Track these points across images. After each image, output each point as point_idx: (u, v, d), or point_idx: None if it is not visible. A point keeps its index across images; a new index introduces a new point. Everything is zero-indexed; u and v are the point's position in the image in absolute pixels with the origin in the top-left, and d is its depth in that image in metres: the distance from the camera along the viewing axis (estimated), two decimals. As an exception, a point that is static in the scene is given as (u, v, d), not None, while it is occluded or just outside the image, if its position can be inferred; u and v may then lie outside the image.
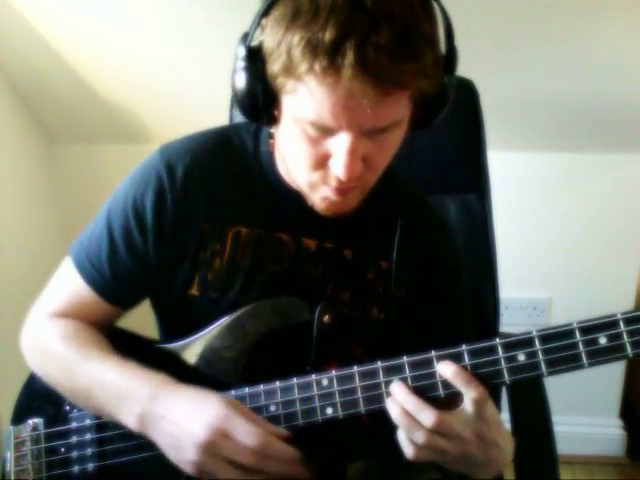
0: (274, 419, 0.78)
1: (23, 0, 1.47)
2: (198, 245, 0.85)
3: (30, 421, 0.89)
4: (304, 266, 0.87)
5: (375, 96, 0.66)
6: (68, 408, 0.89)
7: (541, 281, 1.91)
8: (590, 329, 0.70)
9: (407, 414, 0.71)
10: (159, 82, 1.69)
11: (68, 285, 0.90)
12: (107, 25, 1.54)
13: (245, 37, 0.72)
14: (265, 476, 0.73)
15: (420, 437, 0.70)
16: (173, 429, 0.75)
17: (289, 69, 0.67)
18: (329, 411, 0.77)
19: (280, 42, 0.67)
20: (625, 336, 0.68)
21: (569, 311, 1.90)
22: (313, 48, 0.64)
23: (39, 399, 0.91)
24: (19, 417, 0.91)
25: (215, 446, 0.72)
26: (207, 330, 0.85)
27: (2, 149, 1.68)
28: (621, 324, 0.69)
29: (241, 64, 0.73)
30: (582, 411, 1.99)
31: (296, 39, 0.65)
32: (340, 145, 0.71)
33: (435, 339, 0.91)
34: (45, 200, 1.87)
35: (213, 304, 0.85)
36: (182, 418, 0.75)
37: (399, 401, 0.72)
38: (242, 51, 0.72)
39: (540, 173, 1.83)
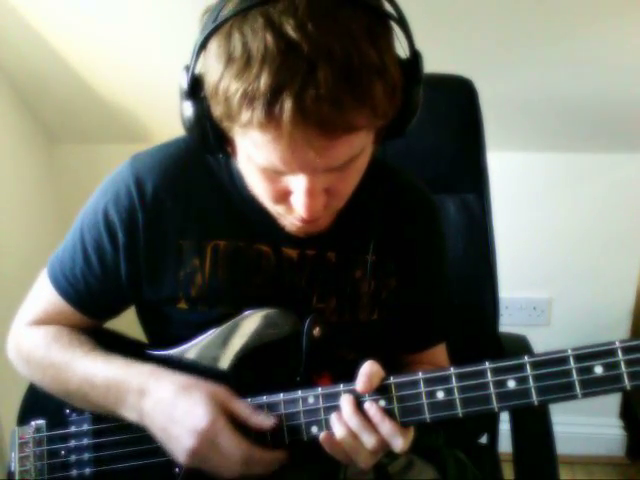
0: (262, 436, 0.77)
1: (23, 0, 1.47)
2: (177, 262, 0.83)
3: (33, 423, 0.89)
4: (287, 276, 0.85)
5: (322, 144, 0.62)
6: (68, 411, 0.89)
7: (541, 281, 1.91)
8: (585, 357, 0.65)
9: (352, 434, 0.71)
10: (159, 82, 1.68)
11: (45, 297, 0.90)
12: (107, 25, 1.54)
13: (187, 69, 0.68)
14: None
15: (362, 459, 0.71)
16: (165, 427, 0.76)
17: (231, 117, 0.64)
18: (314, 430, 0.75)
19: (218, 87, 0.63)
20: (623, 366, 0.63)
21: (569, 311, 1.90)
22: (250, 100, 0.60)
23: (43, 400, 0.91)
24: (24, 418, 0.91)
25: (203, 454, 0.74)
26: (197, 340, 0.84)
27: (2, 149, 1.68)
28: (619, 353, 0.64)
29: (186, 99, 0.69)
30: (582, 411, 1.99)
31: (232, 89, 0.61)
32: (298, 185, 0.68)
33: (406, 322, 0.91)
34: (45, 200, 1.87)
35: (203, 317, 0.84)
36: (170, 420, 0.76)
37: (345, 419, 0.72)
38: (185, 85, 0.68)
39: (540, 173, 1.83)
